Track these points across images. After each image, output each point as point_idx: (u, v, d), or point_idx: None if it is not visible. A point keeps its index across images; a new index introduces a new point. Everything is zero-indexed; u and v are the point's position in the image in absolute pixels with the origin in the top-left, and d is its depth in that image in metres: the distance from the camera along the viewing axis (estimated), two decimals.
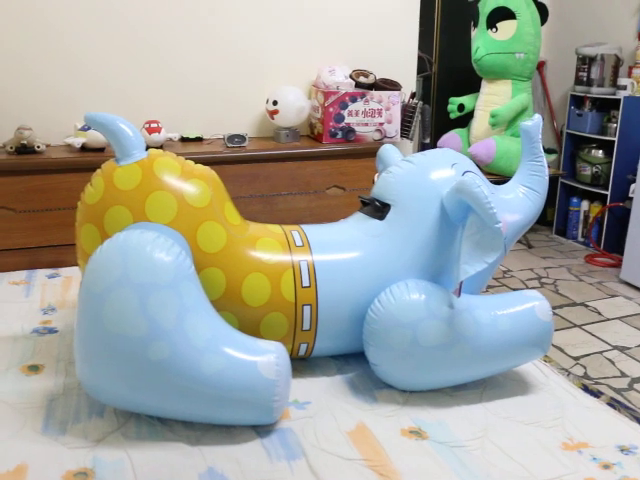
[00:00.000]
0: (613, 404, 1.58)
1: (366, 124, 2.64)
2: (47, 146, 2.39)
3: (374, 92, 2.64)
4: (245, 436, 1.32)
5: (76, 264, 2.24)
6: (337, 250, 1.56)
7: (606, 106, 4.09)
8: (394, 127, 2.70)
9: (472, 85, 4.15)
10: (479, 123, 3.96)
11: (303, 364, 1.62)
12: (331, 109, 2.57)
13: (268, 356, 1.30)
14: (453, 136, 4.07)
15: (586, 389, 1.66)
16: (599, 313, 3.15)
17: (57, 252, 2.28)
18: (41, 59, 2.49)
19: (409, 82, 2.91)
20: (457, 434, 1.38)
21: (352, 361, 1.67)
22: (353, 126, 2.62)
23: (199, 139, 2.61)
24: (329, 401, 1.48)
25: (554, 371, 1.73)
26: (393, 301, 1.45)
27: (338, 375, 1.61)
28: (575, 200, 4.34)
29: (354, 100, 2.60)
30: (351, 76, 2.63)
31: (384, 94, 2.64)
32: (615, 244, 4.05)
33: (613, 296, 3.41)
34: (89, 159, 2.33)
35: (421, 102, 2.78)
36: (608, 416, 1.51)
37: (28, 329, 1.78)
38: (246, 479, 1.19)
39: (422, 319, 1.44)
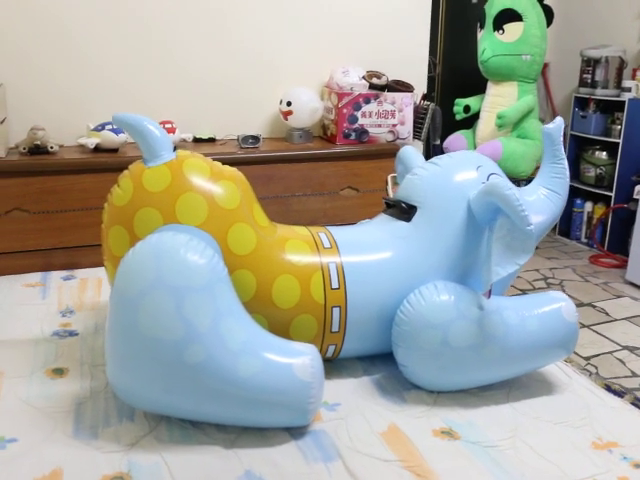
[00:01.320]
0: (637, 404, 1.59)
1: (379, 125, 2.64)
2: (60, 147, 2.37)
3: (387, 94, 2.64)
4: (279, 438, 1.32)
5: (91, 266, 2.26)
6: (365, 252, 1.56)
7: (610, 108, 4.12)
8: (407, 129, 2.71)
9: (476, 86, 4.15)
10: (485, 124, 3.96)
11: (330, 366, 1.61)
12: (345, 110, 2.57)
13: (303, 358, 1.30)
14: (459, 137, 4.07)
15: (609, 389, 1.67)
16: (607, 314, 3.16)
17: (71, 254, 2.27)
18: (53, 59, 2.48)
19: (420, 83, 2.92)
20: (488, 434, 1.38)
21: (378, 362, 1.67)
22: (366, 127, 2.63)
23: (212, 140, 2.61)
24: (358, 402, 1.48)
25: (576, 371, 1.73)
26: (423, 302, 1.45)
27: (365, 376, 1.61)
28: (579, 201, 4.36)
29: (368, 101, 2.60)
30: (364, 77, 2.63)
31: (397, 96, 2.65)
32: (619, 245, 4.07)
33: (619, 297, 3.42)
34: (103, 160, 2.32)
35: (433, 104, 2.79)
36: (634, 416, 1.52)
37: (48, 332, 1.77)
38: None
39: (452, 320, 1.44)
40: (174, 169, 1.42)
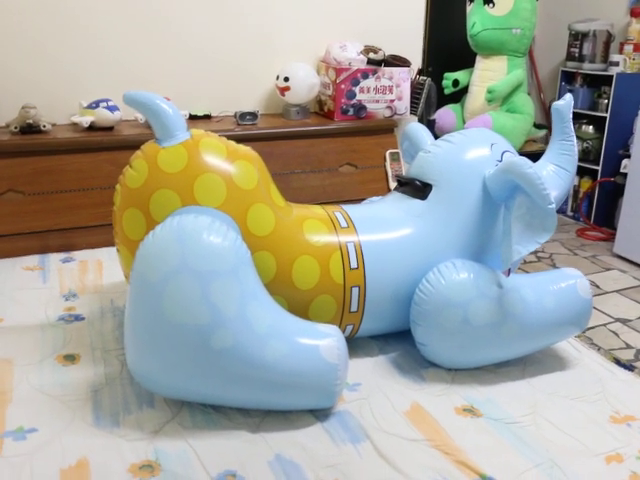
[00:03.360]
0: None
1: (377, 101, 2.61)
2: (53, 125, 2.30)
3: (385, 69, 2.60)
4: (304, 421, 1.31)
5: (88, 247, 2.21)
6: (382, 230, 1.55)
7: (596, 82, 4.13)
8: (404, 104, 2.68)
9: (464, 60, 4.13)
10: (474, 99, 3.96)
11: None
12: (343, 86, 2.53)
13: (329, 340, 1.29)
14: (447, 112, 4.06)
15: (619, 363, 1.70)
16: (597, 286, 3.21)
17: (68, 235, 2.20)
18: (43, 34, 2.38)
19: (415, 58, 2.88)
20: (509, 411, 1.39)
21: (392, 341, 1.67)
22: (364, 103, 2.59)
23: (208, 117, 2.54)
24: (378, 382, 1.48)
25: (585, 346, 1.76)
26: (443, 281, 1.45)
27: (381, 355, 1.61)
28: None
29: (366, 77, 2.56)
30: (361, 52, 2.59)
31: (395, 71, 2.61)
32: (605, 218, 4.12)
33: (608, 269, 3.48)
34: (98, 139, 2.25)
35: (429, 79, 2.77)
36: None
37: (53, 317, 1.72)
38: (315, 464, 1.18)
39: (472, 299, 1.44)
40: (190, 149, 1.38)
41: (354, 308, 1.50)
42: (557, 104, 1.75)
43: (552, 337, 1.58)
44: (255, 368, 1.22)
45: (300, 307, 1.44)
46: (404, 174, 1.73)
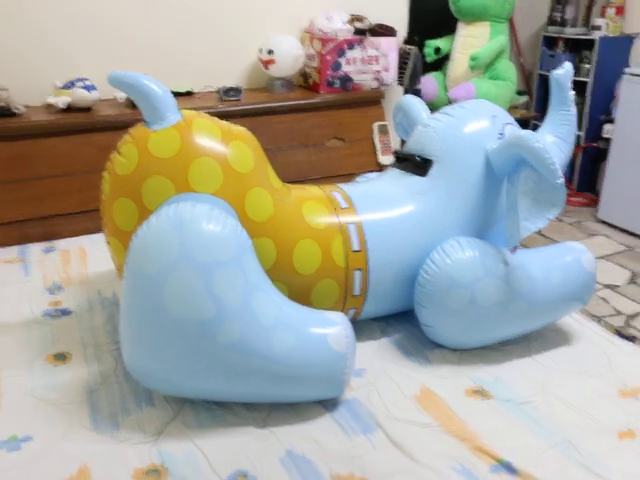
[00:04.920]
0: None
1: (363, 72, 2.53)
2: (26, 108, 2.17)
3: (371, 38, 2.52)
4: (313, 412, 1.27)
5: (70, 235, 2.12)
6: (383, 210, 1.50)
7: (577, 47, 4.09)
8: (391, 75, 2.60)
9: (445, 27, 4.04)
10: (456, 66, 3.87)
11: None
12: (329, 57, 2.45)
13: (336, 328, 1.24)
14: (429, 80, 3.97)
15: (620, 334, 1.69)
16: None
17: (49, 224, 2.10)
18: (10, 11, 2.23)
19: (400, 27, 2.80)
20: (518, 390, 1.37)
21: (393, 322, 1.63)
22: (350, 74, 2.51)
23: (189, 93, 2.44)
24: (384, 366, 1.45)
25: (586, 318, 1.74)
26: (448, 261, 1.41)
27: (384, 338, 1.57)
28: None
29: (352, 47, 2.47)
30: (347, 22, 2.50)
31: (381, 40, 2.53)
32: (587, 184, 4.12)
33: (593, 235, 3.48)
34: (77, 120, 2.14)
35: (415, 48, 2.69)
36: None
37: (38, 312, 1.64)
38: (329, 459, 1.14)
39: (479, 278, 1.40)
40: (183, 132, 1.30)
41: (357, 291, 1.45)
42: (556, 73, 1.69)
43: (558, 313, 1.56)
44: (262, 361, 1.17)
45: (302, 293, 1.39)
46: (402, 149, 1.67)
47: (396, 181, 1.57)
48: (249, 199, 1.32)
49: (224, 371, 1.17)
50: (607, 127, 3.84)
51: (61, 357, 1.44)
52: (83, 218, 2.12)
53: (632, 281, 2.92)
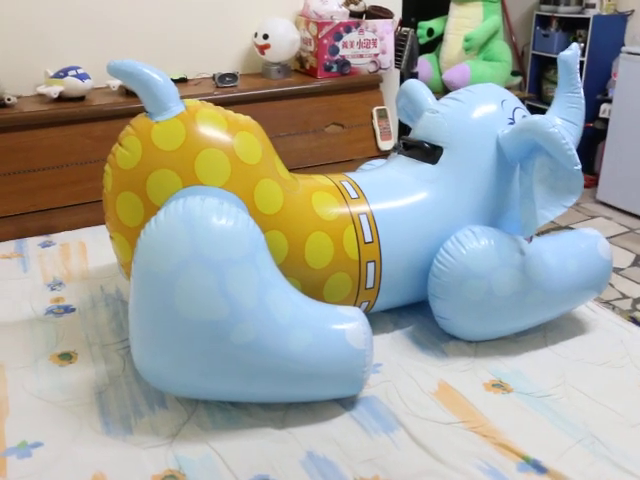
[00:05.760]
0: None
1: (361, 56, 2.46)
2: (18, 98, 2.09)
3: (368, 21, 2.45)
4: (331, 411, 1.23)
5: (68, 228, 2.06)
6: (394, 199, 1.45)
7: (571, 25, 4.04)
8: (388, 58, 2.54)
9: (437, 8, 3.98)
10: (450, 48, 3.83)
11: None
12: (325, 41, 2.38)
13: (354, 324, 1.20)
14: (422, 62, 3.92)
15: (635, 321, 1.67)
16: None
17: (45, 217, 2.03)
18: None
19: (396, 8, 2.72)
20: (538, 384, 1.34)
21: (404, 313, 1.59)
22: (348, 58, 2.45)
23: (184, 80, 2.36)
24: (399, 360, 1.41)
25: (599, 305, 1.71)
26: (464, 251, 1.37)
27: (397, 330, 1.53)
28: None
29: (349, 30, 2.41)
30: (343, 4, 2.43)
31: (378, 23, 2.46)
32: (585, 165, 4.08)
33: (593, 217, 3.47)
34: (71, 110, 2.06)
35: (412, 30, 2.63)
36: None
37: (40, 310, 1.58)
38: (351, 460, 1.10)
39: (496, 268, 1.36)
40: (187, 122, 1.24)
41: (370, 284, 1.41)
42: (564, 55, 1.64)
43: (574, 302, 1.53)
44: (279, 361, 1.13)
45: (314, 288, 1.34)
46: (408, 136, 1.62)
47: (405, 169, 1.52)
48: (258, 191, 1.27)
49: (239, 372, 1.13)
50: (604, 107, 3.81)
51: (67, 356, 1.39)
52: (81, 210, 2.06)
53: (636, 264, 2.91)
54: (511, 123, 1.50)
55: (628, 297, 2.62)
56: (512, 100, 1.57)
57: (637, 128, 3.40)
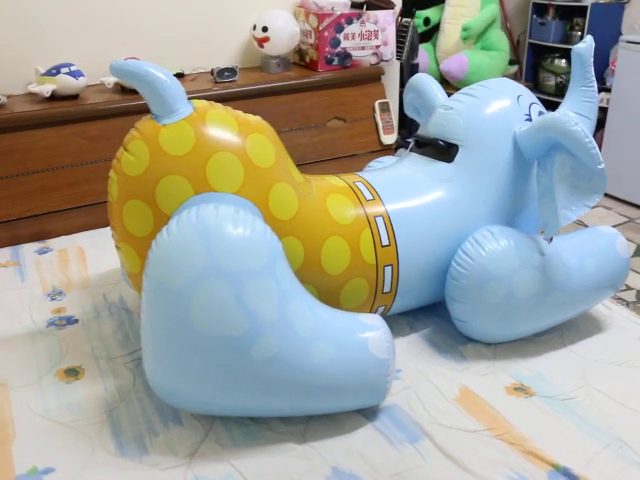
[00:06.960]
0: None
1: (362, 48, 2.41)
2: (8, 97, 2.02)
3: (369, 12, 2.40)
4: (353, 422, 1.19)
5: (65, 233, 1.99)
6: (410, 200, 1.40)
7: (568, 14, 4.00)
8: (390, 49, 2.48)
9: None
10: (447, 37, 3.78)
11: None
12: (326, 33, 2.32)
13: (376, 333, 1.16)
14: (419, 52, 3.87)
15: None
16: (586, 226, 3.17)
17: (41, 222, 1.97)
18: None
19: None
20: (559, 385, 1.31)
21: (419, 315, 1.56)
22: (349, 51, 2.39)
23: (181, 75, 2.29)
24: (418, 365, 1.37)
25: (612, 301, 1.69)
26: (483, 252, 1.33)
27: (413, 334, 1.50)
28: None
29: (350, 22, 2.35)
30: None
31: (379, 14, 2.40)
32: None
33: (592, 207, 3.44)
34: (64, 109, 1.99)
35: (413, 20, 2.57)
36: None
37: (41, 322, 1.51)
38: (378, 475, 1.07)
39: (516, 269, 1.33)
40: (196, 125, 1.19)
41: (387, 288, 1.37)
42: (578, 47, 1.61)
43: (592, 301, 1.50)
44: (301, 374, 1.08)
45: (330, 294, 1.30)
46: (420, 133, 1.57)
47: (419, 167, 1.48)
48: (273, 196, 1.22)
49: (259, 387, 1.08)
50: (602, 96, 3.76)
51: (73, 372, 1.34)
52: (77, 214, 2.00)
53: (637, 254, 2.89)
54: (528, 119, 1.46)
55: (632, 289, 2.60)
56: (528, 95, 1.53)
57: (636, 117, 3.37)
